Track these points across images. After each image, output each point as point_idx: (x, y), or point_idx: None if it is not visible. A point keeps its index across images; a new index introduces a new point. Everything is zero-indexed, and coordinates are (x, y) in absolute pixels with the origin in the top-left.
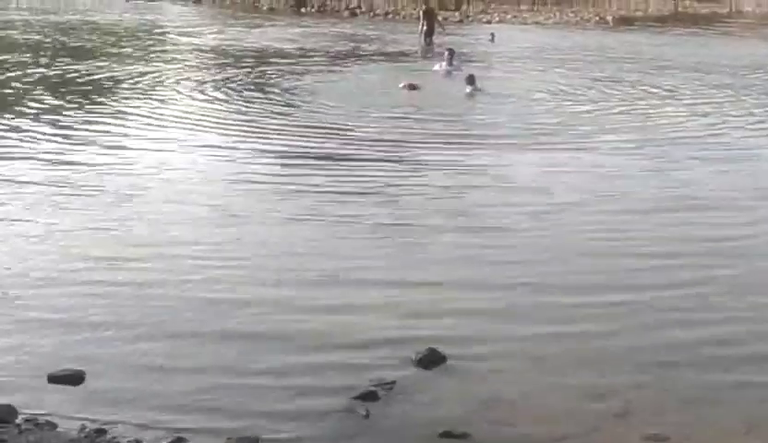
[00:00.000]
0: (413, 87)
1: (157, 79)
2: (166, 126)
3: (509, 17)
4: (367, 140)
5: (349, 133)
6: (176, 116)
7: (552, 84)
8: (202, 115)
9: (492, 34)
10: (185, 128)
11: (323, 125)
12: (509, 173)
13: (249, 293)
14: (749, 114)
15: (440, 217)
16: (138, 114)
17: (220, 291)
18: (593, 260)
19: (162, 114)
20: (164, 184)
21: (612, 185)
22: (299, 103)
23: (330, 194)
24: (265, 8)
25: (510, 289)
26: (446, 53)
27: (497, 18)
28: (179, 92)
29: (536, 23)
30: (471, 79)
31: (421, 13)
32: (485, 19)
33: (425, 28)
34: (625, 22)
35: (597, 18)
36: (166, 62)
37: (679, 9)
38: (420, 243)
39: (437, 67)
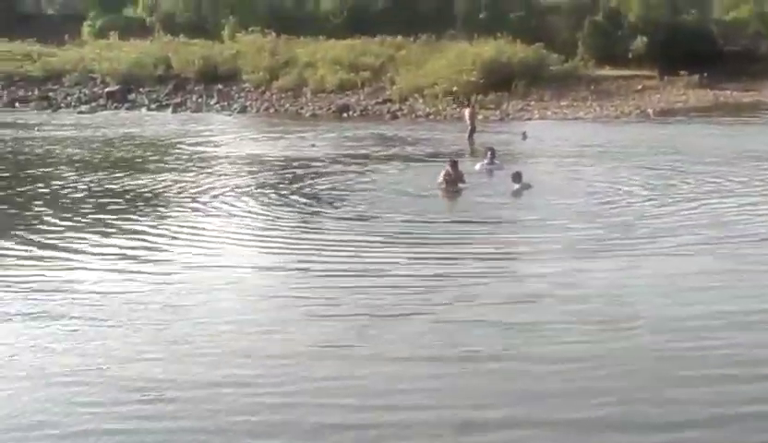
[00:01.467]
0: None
1: (196, 190)
2: (202, 241)
3: (549, 113)
4: (410, 253)
5: (390, 246)
6: (212, 230)
7: (602, 180)
8: (237, 230)
9: (524, 132)
10: (220, 243)
11: (364, 237)
12: (575, 282)
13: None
14: None
15: (501, 338)
16: (174, 229)
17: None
18: (684, 389)
19: (198, 228)
20: (202, 305)
21: (693, 293)
22: (339, 212)
23: (377, 317)
24: (308, 115)
25: (586, 429)
26: (488, 152)
27: (536, 115)
28: (215, 204)
29: (577, 118)
30: (517, 177)
31: (466, 113)
32: (525, 117)
33: (469, 127)
34: (666, 114)
35: (638, 111)
36: (205, 172)
37: (720, 99)
38: (484, 373)
39: (477, 167)
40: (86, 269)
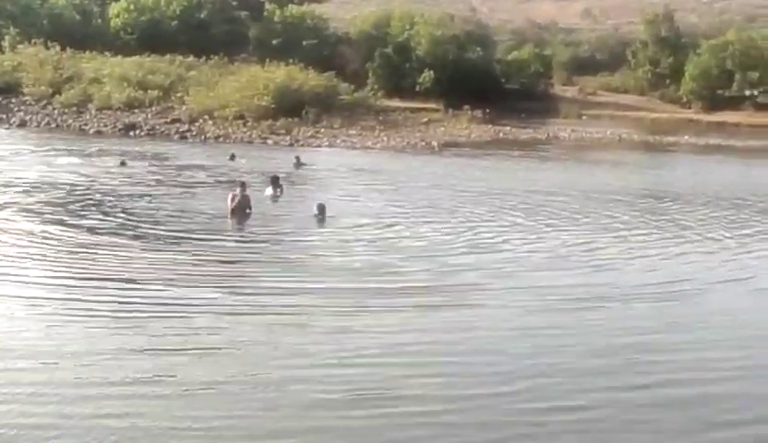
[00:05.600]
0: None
1: None
2: None
3: (338, 141)
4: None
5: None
6: None
7: (397, 214)
8: None
9: (297, 158)
10: None
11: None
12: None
13: None
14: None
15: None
16: None
17: None
18: None
19: None
20: None
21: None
22: (121, 236)
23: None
24: (92, 132)
25: None
26: (270, 179)
27: (326, 143)
28: None
29: (365, 147)
30: (321, 209)
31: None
32: (315, 144)
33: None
34: (450, 146)
35: (424, 143)
36: None
37: (500, 135)
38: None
39: (268, 193)
40: None
